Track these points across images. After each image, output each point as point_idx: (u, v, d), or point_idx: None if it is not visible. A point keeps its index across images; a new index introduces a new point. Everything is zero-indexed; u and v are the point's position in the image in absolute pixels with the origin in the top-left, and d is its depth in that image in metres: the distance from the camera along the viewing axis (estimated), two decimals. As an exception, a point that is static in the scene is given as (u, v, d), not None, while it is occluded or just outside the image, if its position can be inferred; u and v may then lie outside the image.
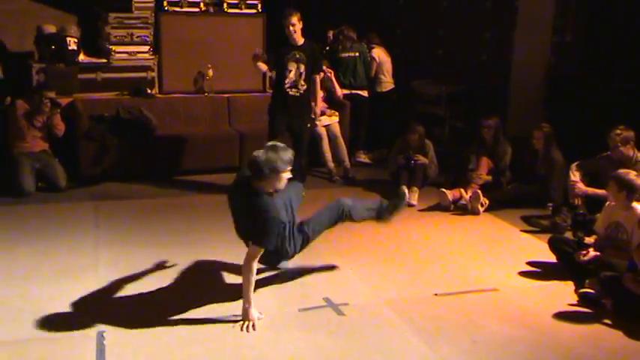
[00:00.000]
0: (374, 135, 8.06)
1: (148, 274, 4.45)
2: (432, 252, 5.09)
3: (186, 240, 5.12)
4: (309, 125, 6.50)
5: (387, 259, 4.83)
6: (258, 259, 3.76)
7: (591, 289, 4.20)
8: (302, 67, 6.16)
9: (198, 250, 4.87)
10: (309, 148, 7.09)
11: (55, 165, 6.39)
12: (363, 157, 7.89)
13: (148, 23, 7.39)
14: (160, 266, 4.56)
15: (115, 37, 7.27)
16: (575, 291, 4.34)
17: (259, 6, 7.78)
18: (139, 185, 6.61)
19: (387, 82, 8.23)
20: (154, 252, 4.83)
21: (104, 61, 7.29)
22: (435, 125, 7.86)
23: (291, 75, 6.16)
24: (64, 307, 3.94)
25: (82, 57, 7.23)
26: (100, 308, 3.95)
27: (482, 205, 6.01)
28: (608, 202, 4.66)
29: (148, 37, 7.39)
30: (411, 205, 6.21)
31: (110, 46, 7.25)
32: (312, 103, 6.51)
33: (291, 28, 6.04)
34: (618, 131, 5.35)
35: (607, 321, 3.97)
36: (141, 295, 4.15)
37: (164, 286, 4.28)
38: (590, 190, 5.45)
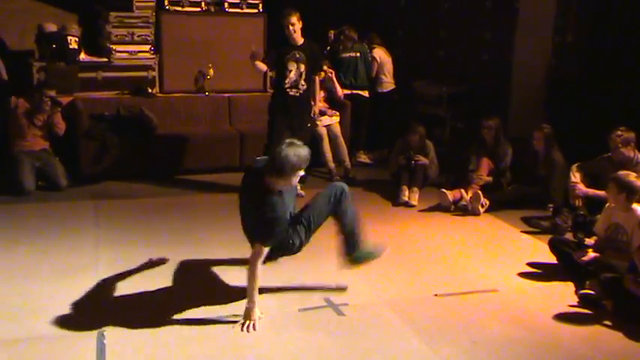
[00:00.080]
0: (374, 135, 8.06)
1: (148, 273, 4.44)
2: (432, 252, 5.09)
3: (186, 239, 5.12)
4: (309, 125, 6.49)
5: (388, 259, 4.80)
6: (263, 258, 3.74)
7: (592, 290, 4.20)
8: (302, 67, 6.16)
9: (199, 249, 4.86)
10: (310, 148, 7.10)
11: (55, 164, 6.39)
12: (363, 158, 7.89)
13: (148, 22, 7.38)
14: (160, 266, 4.56)
15: (116, 36, 7.27)
16: (576, 292, 4.34)
17: (260, 6, 7.78)
18: (139, 184, 6.61)
19: (388, 83, 8.23)
20: (154, 251, 4.83)
21: (105, 60, 7.29)
22: (435, 126, 7.86)
23: (292, 75, 6.16)
24: (64, 306, 3.93)
25: (82, 56, 7.23)
26: (100, 307, 3.95)
27: (482, 206, 6.01)
28: (607, 204, 4.65)
29: (148, 36, 7.39)
30: (411, 206, 6.22)
31: (111, 45, 7.25)
32: (312, 103, 6.51)
33: (290, 27, 6.04)
34: (619, 132, 5.36)
35: (607, 322, 3.97)
36: (141, 294, 4.15)
37: (164, 285, 4.28)
38: (591, 191, 5.45)
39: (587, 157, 5.67)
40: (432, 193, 6.37)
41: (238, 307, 3.89)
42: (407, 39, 8.97)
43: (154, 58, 7.43)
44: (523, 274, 4.69)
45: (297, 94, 6.21)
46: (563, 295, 4.35)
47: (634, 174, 4.53)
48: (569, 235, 5.16)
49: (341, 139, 7.25)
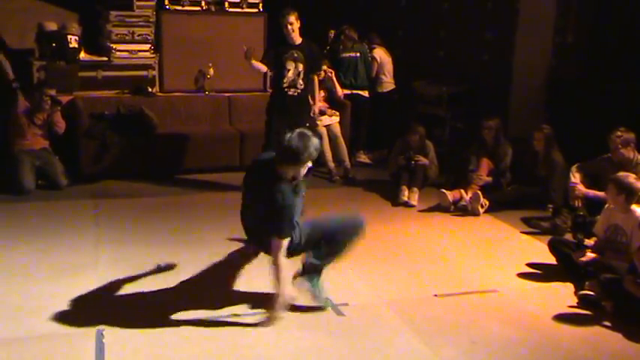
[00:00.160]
0: (374, 135, 8.06)
1: (148, 272, 4.44)
2: (431, 253, 5.09)
3: (186, 239, 5.12)
4: (307, 125, 6.49)
5: (387, 259, 4.83)
6: (284, 251, 3.68)
7: (591, 291, 4.20)
8: (300, 67, 6.16)
9: (199, 249, 4.86)
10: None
11: (55, 163, 6.39)
12: (363, 158, 7.89)
13: (149, 22, 7.38)
14: (160, 265, 4.55)
15: (116, 35, 7.26)
16: (575, 293, 4.35)
17: (260, 5, 7.77)
18: (139, 184, 6.61)
19: (388, 83, 8.23)
20: (154, 251, 4.83)
21: (105, 59, 7.28)
22: (435, 126, 7.85)
23: (289, 74, 6.17)
24: (64, 305, 3.93)
25: (82, 55, 7.23)
26: (100, 306, 3.95)
27: (482, 206, 6.01)
28: (607, 205, 4.66)
29: (148, 35, 7.38)
30: (411, 206, 6.23)
31: (111, 44, 7.24)
32: (311, 103, 6.51)
33: (289, 27, 6.05)
34: (619, 133, 5.36)
35: (607, 323, 3.97)
36: (141, 293, 4.15)
37: (164, 284, 4.28)
38: (591, 192, 5.45)
39: (587, 158, 5.67)
40: (431, 193, 6.38)
41: (238, 306, 3.90)
42: (407, 39, 8.96)
43: (154, 57, 7.43)
44: (523, 275, 4.69)
45: (296, 94, 6.21)
46: (563, 295, 4.35)
47: (633, 175, 4.54)
48: (568, 236, 5.16)
49: (341, 139, 7.25)
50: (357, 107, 7.76)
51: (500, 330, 3.87)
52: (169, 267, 4.52)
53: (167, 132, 7.03)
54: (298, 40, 6.15)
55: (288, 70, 6.15)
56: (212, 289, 4.25)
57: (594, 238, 4.66)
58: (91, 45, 7.39)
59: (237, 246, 4.72)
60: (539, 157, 6.14)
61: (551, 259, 4.80)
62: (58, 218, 5.51)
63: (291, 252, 3.84)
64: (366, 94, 7.93)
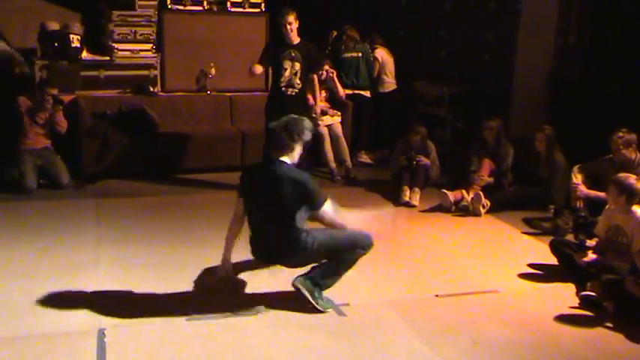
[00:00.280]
0: (376, 135, 8.06)
1: (149, 271, 4.45)
2: (433, 253, 5.09)
3: (187, 238, 5.12)
4: None
5: (388, 259, 4.83)
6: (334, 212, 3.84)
7: (593, 291, 4.19)
8: (297, 66, 6.17)
9: (200, 248, 4.86)
10: (311, 148, 7.10)
11: (57, 162, 6.40)
12: (364, 158, 7.89)
13: (151, 21, 7.39)
14: (161, 264, 4.56)
15: (118, 34, 7.28)
16: (577, 294, 4.34)
17: (262, 5, 7.78)
18: (140, 183, 6.62)
19: (390, 83, 8.23)
20: (155, 250, 4.84)
21: (107, 58, 7.30)
22: (436, 126, 7.86)
23: (286, 74, 6.18)
24: (65, 304, 3.93)
25: (84, 54, 7.24)
26: (101, 306, 3.94)
27: (483, 207, 6.01)
28: (608, 206, 4.65)
29: (151, 35, 7.39)
30: (412, 206, 6.23)
31: (113, 44, 7.25)
32: (312, 102, 6.51)
33: (288, 26, 6.07)
34: (620, 134, 5.36)
35: (608, 324, 3.97)
36: (142, 293, 4.15)
37: (165, 284, 4.28)
38: (592, 192, 5.45)
39: (589, 159, 5.67)
40: (433, 193, 6.38)
41: (238, 305, 3.89)
42: (408, 39, 8.97)
43: (156, 56, 7.44)
44: (524, 276, 4.68)
45: (293, 93, 6.23)
46: (564, 296, 4.35)
47: (634, 176, 4.53)
48: (570, 237, 5.16)
49: (342, 139, 7.25)
50: (358, 107, 7.76)
51: (501, 330, 3.87)
52: (170, 266, 4.52)
53: (169, 131, 7.04)
54: (296, 39, 6.17)
55: (285, 70, 6.17)
56: (213, 288, 4.25)
57: (596, 239, 4.66)
58: (93, 44, 7.40)
59: (237, 245, 4.71)
60: (541, 157, 6.14)
61: (552, 260, 4.80)
62: (59, 217, 5.52)
63: (303, 260, 3.91)
64: (367, 94, 7.93)
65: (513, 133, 6.93)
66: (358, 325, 3.86)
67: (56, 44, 7.05)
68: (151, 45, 7.40)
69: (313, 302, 3.91)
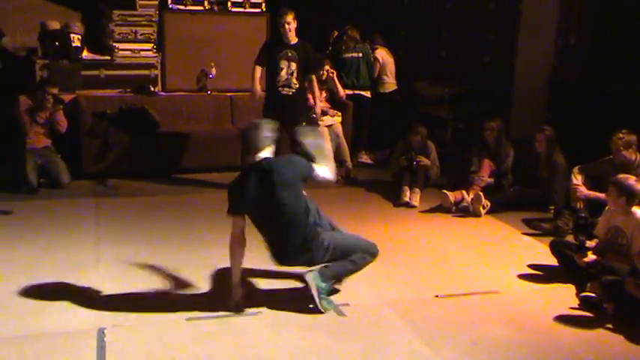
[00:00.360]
0: (376, 136, 8.07)
1: (149, 271, 4.45)
2: (433, 253, 5.08)
3: (187, 238, 5.13)
4: (304, 123, 6.53)
5: (388, 259, 4.82)
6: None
7: (593, 292, 4.19)
8: (293, 66, 6.18)
9: (199, 248, 4.87)
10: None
11: (57, 161, 6.40)
12: (365, 158, 7.89)
13: (151, 21, 7.39)
14: (161, 264, 4.56)
15: (119, 34, 7.28)
16: (577, 295, 4.34)
17: (263, 5, 7.78)
18: (140, 182, 6.62)
19: (390, 83, 8.23)
20: (154, 249, 4.84)
21: (107, 58, 7.30)
22: (437, 127, 7.86)
23: (283, 73, 6.20)
24: (65, 303, 3.93)
25: (85, 54, 7.24)
26: (101, 305, 3.94)
27: (483, 208, 6.01)
28: (607, 207, 4.65)
29: (151, 34, 7.39)
30: (412, 207, 6.23)
31: (114, 43, 7.26)
32: (311, 103, 6.52)
33: (286, 26, 6.08)
34: (621, 135, 5.36)
35: (608, 325, 3.97)
36: (141, 292, 4.15)
37: (165, 283, 4.29)
38: (592, 193, 5.46)
39: (589, 160, 5.67)
40: (433, 194, 6.38)
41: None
42: (409, 39, 8.97)
43: (156, 56, 7.44)
44: (524, 276, 4.68)
45: (290, 93, 6.24)
46: (564, 297, 4.35)
47: (634, 177, 4.53)
48: (570, 238, 5.15)
49: (343, 140, 7.26)
50: (359, 108, 7.76)
51: (501, 331, 3.86)
52: (170, 265, 4.52)
53: (169, 131, 7.04)
54: (294, 39, 6.18)
55: (282, 70, 6.18)
56: (213, 287, 4.25)
57: (596, 240, 4.66)
58: (94, 44, 7.41)
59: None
60: (541, 158, 6.14)
61: (552, 261, 4.80)
62: (59, 216, 5.52)
63: (318, 257, 3.92)
64: (368, 94, 7.93)
65: (514, 134, 6.93)
66: (358, 326, 3.86)
67: (57, 43, 7.06)
68: (152, 45, 7.40)
69: (317, 300, 3.91)
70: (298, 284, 4.31)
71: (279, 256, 3.98)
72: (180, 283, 4.31)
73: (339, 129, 7.31)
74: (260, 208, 3.86)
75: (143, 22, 7.35)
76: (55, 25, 7.18)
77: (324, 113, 7.22)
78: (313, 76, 6.50)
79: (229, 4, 7.68)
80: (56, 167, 6.36)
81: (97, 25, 7.50)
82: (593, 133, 6.18)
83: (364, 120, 7.90)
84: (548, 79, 7.48)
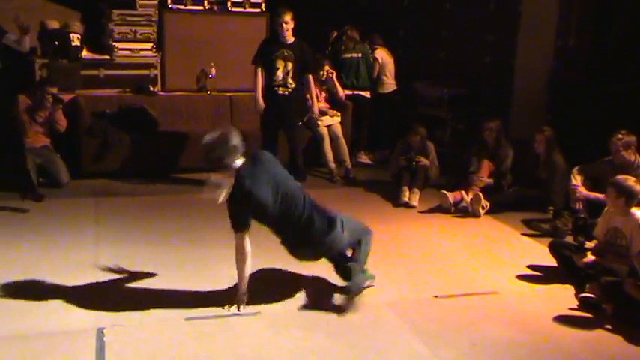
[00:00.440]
0: (375, 136, 8.07)
1: (148, 271, 4.44)
2: (432, 254, 5.09)
3: (186, 238, 5.13)
4: (300, 123, 6.57)
5: (388, 260, 4.83)
6: None
7: (592, 293, 4.19)
8: (289, 65, 6.20)
9: (199, 247, 4.87)
10: (311, 148, 7.12)
11: (56, 161, 6.40)
12: (364, 158, 7.90)
13: (151, 20, 7.40)
14: (160, 263, 4.56)
15: (119, 33, 7.28)
16: (576, 295, 4.34)
17: (263, 5, 7.78)
18: (140, 182, 6.62)
19: (390, 84, 8.24)
20: (154, 249, 4.84)
21: (107, 57, 7.30)
22: (436, 127, 7.87)
23: (279, 73, 6.21)
24: (64, 303, 3.93)
25: (85, 53, 7.25)
26: (100, 305, 3.94)
27: (483, 208, 6.02)
28: (606, 208, 4.66)
29: (151, 34, 7.39)
30: (411, 207, 6.23)
31: (113, 43, 7.26)
32: (309, 102, 6.52)
33: (284, 25, 6.10)
34: (620, 136, 5.36)
35: (607, 326, 3.97)
36: (141, 292, 4.15)
37: (164, 283, 4.28)
38: (592, 194, 5.47)
39: (588, 161, 5.68)
40: (432, 194, 6.38)
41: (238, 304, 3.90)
42: (409, 40, 8.98)
43: (156, 56, 7.44)
44: (523, 277, 4.69)
45: (286, 93, 6.25)
46: (563, 298, 4.35)
47: (632, 178, 4.54)
48: (569, 238, 5.16)
49: (342, 140, 7.26)
50: (358, 108, 7.77)
51: (500, 332, 3.87)
52: (169, 265, 4.52)
53: (168, 131, 7.04)
54: (290, 39, 6.19)
55: (278, 69, 6.19)
56: (212, 287, 4.25)
57: (595, 241, 4.66)
58: (94, 43, 7.41)
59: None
60: (540, 159, 6.15)
61: (551, 262, 4.80)
62: (58, 216, 5.52)
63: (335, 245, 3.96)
64: (367, 94, 7.93)
65: (513, 135, 6.94)
66: (357, 326, 3.86)
67: (56, 43, 7.06)
68: (152, 44, 7.40)
69: (367, 283, 4.14)
70: (297, 284, 4.32)
71: (298, 255, 4.05)
72: (180, 282, 4.30)
73: (339, 129, 7.31)
74: (265, 216, 3.85)
75: (143, 22, 7.35)
76: (54, 24, 7.19)
77: (323, 113, 7.23)
78: (310, 76, 6.51)
79: (229, 4, 7.68)
80: (55, 167, 6.36)
81: (97, 24, 7.50)
82: (593, 133, 6.19)
83: (364, 120, 7.91)
84: (547, 80, 7.49)
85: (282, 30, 6.14)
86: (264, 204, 3.75)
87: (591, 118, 6.69)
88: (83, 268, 4.44)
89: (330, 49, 8.10)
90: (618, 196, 4.42)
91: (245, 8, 7.75)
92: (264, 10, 7.77)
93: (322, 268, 4.50)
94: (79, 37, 7.15)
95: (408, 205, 6.24)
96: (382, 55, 8.18)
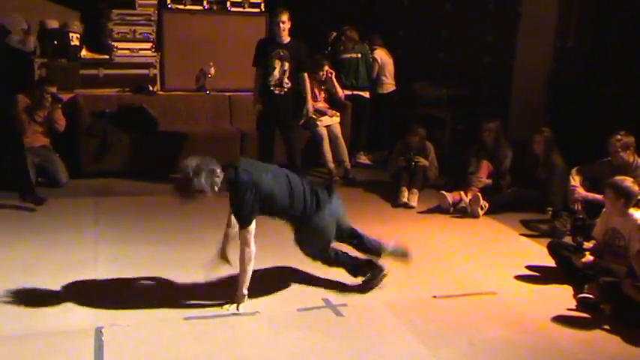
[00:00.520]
0: (375, 136, 8.07)
1: (147, 270, 4.44)
2: (431, 254, 5.08)
3: (185, 237, 5.13)
4: (298, 123, 6.57)
5: (386, 260, 4.82)
6: None
7: (590, 294, 4.20)
8: (286, 65, 6.20)
9: (198, 247, 4.86)
10: (310, 148, 7.12)
11: (55, 160, 6.40)
12: (363, 159, 7.90)
13: (150, 20, 7.40)
14: (159, 263, 4.56)
15: (118, 33, 7.28)
16: (574, 296, 4.35)
17: (262, 5, 7.79)
18: (139, 182, 6.62)
19: (389, 84, 8.24)
20: (153, 249, 4.84)
21: (106, 57, 7.30)
22: (435, 128, 7.87)
23: (275, 72, 6.21)
24: (63, 302, 3.93)
25: (84, 53, 7.25)
26: (99, 304, 3.94)
27: (482, 209, 6.02)
28: (604, 209, 4.66)
29: (150, 34, 7.39)
30: (410, 207, 6.23)
31: (112, 43, 7.26)
32: (305, 101, 6.53)
33: (281, 25, 6.11)
34: (619, 137, 5.36)
35: (605, 326, 3.97)
36: (140, 292, 4.15)
37: (163, 283, 4.28)
38: (590, 195, 5.46)
39: (587, 161, 5.68)
40: (431, 194, 6.39)
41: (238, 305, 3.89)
42: (408, 40, 8.98)
43: (155, 55, 7.44)
44: (521, 277, 4.69)
45: (282, 92, 6.26)
46: (562, 298, 4.36)
47: (630, 179, 4.54)
48: (568, 239, 5.16)
49: (341, 140, 7.26)
50: (357, 108, 7.77)
51: (498, 332, 3.87)
52: (168, 265, 4.52)
53: (167, 131, 7.04)
54: (286, 39, 6.21)
55: (274, 69, 6.19)
56: (211, 287, 4.25)
57: (593, 241, 4.67)
58: (93, 43, 7.41)
59: (237, 244, 4.71)
60: (539, 159, 6.15)
61: (550, 262, 4.81)
62: (57, 215, 5.52)
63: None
64: (366, 95, 7.94)
65: (512, 135, 6.94)
66: (356, 326, 3.86)
67: (55, 42, 7.06)
68: (151, 44, 7.40)
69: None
70: (296, 284, 4.32)
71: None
72: (179, 282, 4.31)
73: (338, 129, 7.31)
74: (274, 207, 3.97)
75: (142, 22, 7.35)
76: (54, 24, 7.18)
77: (322, 113, 7.23)
78: (305, 74, 6.51)
79: (228, 3, 7.69)
80: (54, 166, 6.35)
81: (96, 24, 7.50)
82: (592, 134, 6.19)
83: (363, 120, 7.91)
84: (546, 80, 7.49)
85: (278, 30, 6.15)
86: (271, 187, 3.85)
87: (590, 118, 6.69)
88: (82, 268, 4.44)
89: (329, 49, 8.10)
90: (617, 197, 4.42)
91: (244, 8, 7.75)
92: (263, 9, 7.77)
93: (322, 268, 4.51)
94: (79, 36, 7.15)
95: (407, 206, 6.24)
96: (381, 55, 8.18)
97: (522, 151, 6.39)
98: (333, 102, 7.53)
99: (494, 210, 6.06)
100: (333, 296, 4.16)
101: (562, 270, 4.68)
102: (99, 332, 3.59)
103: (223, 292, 4.12)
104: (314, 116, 7.11)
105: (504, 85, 7.69)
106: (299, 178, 4.09)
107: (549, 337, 3.87)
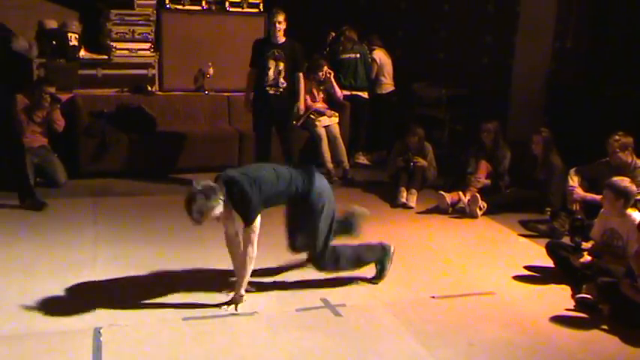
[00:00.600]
0: (373, 137, 8.07)
1: (146, 271, 4.44)
2: (429, 254, 5.09)
3: (184, 237, 5.11)
4: (294, 123, 6.58)
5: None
6: None
7: (588, 294, 4.20)
8: (281, 65, 6.21)
9: (197, 247, 4.86)
10: (309, 149, 7.12)
11: (54, 160, 6.39)
12: (362, 159, 7.90)
13: (149, 20, 7.39)
14: (158, 263, 4.56)
15: (116, 33, 7.28)
16: (573, 296, 4.35)
17: (261, 5, 7.79)
18: (137, 182, 6.61)
19: (388, 84, 8.24)
20: (152, 249, 4.84)
21: (105, 57, 7.30)
22: (434, 128, 7.87)
23: (270, 73, 6.22)
24: (62, 302, 3.94)
25: (82, 53, 7.24)
26: (98, 304, 3.94)
27: (480, 209, 6.02)
28: (603, 209, 4.67)
29: (149, 34, 7.39)
30: (409, 208, 6.23)
31: (111, 43, 7.25)
32: (296, 100, 6.54)
33: (277, 25, 6.13)
34: (617, 137, 5.37)
35: (604, 327, 3.98)
36: (138, 292, 4.15)
37: (162, 283, 4.28)
38: (589, 195, 5.47)
39: (586, 162, 5.69)
40: (430, 195, 6.39)
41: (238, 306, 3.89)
42: (407, 40, 8.99)
43: (154, 56, 7.44)
44: (520, 278, 4.70)
45: (278, 93, 6.27)
46: (560, 298, 4.36)
47: (628, 179, 4.55)
48: (566, 239, 5.17)
49: (340, 140, 7.26)
50: (356, 108, 7.77)
51: (497, 332, 3.88)
52: (167, 265, 4.52)
53: (166, 131, 7.03)
54: (282, 39, 6.22)
55: (269, 69, 6.20)
56: (210, 287, 4.25)
57: (592, 242, 4.67)
58: (91, 43, 7.40)
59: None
60: (538, 160, 6.16)
61: (548, 262, 4.81)
62: (56, 216, 5.51)
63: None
64: (365, 95, 7.93)
65: (511, 136, 6.95)
66: (354, 326, 3.86)
67: (54, 42, 7.06)
68: (149, 44, 7.40)
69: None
70: (295, 284, 4.32)
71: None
72: (177, 282, 4.30)
73: (337, 129, 7.31)
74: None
75: (140, 22, 7.35)
76: (52, 24, 7.17)
77: (321, 114, 7.23)
78: (301, 74, 6.51)
79: (227, 3, 7.68)
80: (53, 166, 6.35)
81: (95, 24, 7.49)
82: (590, 135, 6.20)
83: (362, 121, 7.91)
84: (545, 81, 7.49)
85: (274, 30, 6.17)
86: (271, 180, 3.91)
87: (589, 119, 6.70)
88: (81, 268, 4.44)
89: (328, 49, 8.09)
90: (617, 198, 4.43)
91: (243, 8, 7.75)
92: (261, 10, 7.77)
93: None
94: (77, 36, 7.14)
95: (405, 206, 6.25)
96: (380, 55, 8.18)
97: (521, 152, 6.40)
98: (331, 102, 7.53)
99: (493, 210, 6.06)
100: (332, 296, 4.16)
101: (560, 270, 4.68)
102: (97, 332, 3.59)
103: (222, 292, 4.13)
104: (312, 116, 7.11)
105: (503, 85, 7.69)
106: (284, 167, 4.19)
107: (548, 337, 3.87)
